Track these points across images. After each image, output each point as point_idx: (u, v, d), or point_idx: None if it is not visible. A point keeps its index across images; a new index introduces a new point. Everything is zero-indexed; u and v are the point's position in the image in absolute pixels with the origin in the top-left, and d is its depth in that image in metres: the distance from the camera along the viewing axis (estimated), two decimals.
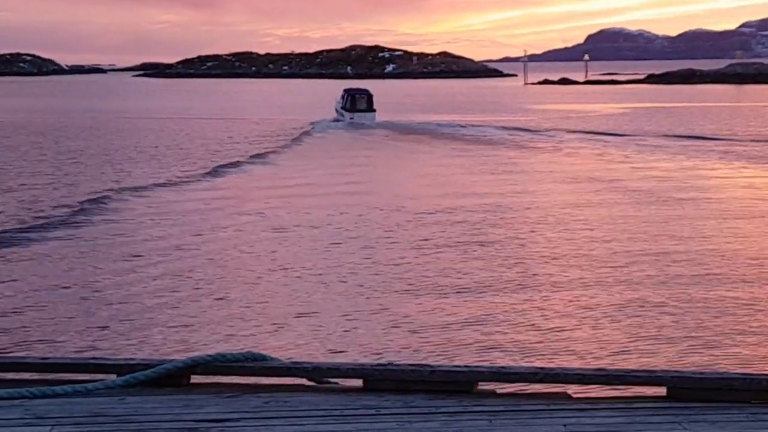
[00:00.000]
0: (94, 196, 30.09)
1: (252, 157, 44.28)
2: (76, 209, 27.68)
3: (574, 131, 59.63)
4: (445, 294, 17.16)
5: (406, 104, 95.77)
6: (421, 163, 42.41)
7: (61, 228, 24.51)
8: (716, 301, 16.52)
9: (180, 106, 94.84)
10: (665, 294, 17.00)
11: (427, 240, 22.36)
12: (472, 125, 66.05)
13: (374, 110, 67.75)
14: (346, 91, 71.17)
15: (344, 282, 18.25)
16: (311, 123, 65.74)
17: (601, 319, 15.42)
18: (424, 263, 19.79)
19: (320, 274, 18.88)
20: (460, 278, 18.35)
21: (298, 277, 18.75)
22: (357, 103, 68.29)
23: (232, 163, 41.29)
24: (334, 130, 61.83)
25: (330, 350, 13.82)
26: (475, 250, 21.11)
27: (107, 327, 15.10)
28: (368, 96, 69.02)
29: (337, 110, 69.77)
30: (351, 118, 66.40)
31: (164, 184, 33.99)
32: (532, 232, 23.52)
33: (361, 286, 17.88)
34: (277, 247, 21.81)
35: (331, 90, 79.32)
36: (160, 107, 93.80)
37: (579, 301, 16.57)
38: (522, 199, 29.36)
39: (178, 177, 36.03)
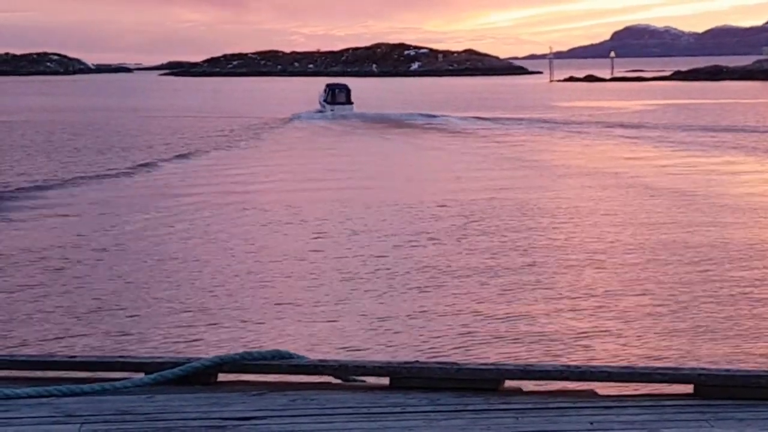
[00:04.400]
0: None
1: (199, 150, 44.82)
2: None
3: (602, 125, 59.51)
4: (467, 288, 17.15)
5: (432, 101, 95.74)
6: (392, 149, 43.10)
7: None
8: (744, 296, 16.45)
9: (192, 105, 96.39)
10: (692, 290, 16.93)
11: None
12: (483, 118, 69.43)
13: (352, 103, 75.98)
14: (328, 85, 79.63)
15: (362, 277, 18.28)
16: (293, 115, 73.41)
17: (627, 315, 15.38)
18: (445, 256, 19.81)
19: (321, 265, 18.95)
20: (478, 272, 18.34)
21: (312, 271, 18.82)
22: (337, 96, 76.55)
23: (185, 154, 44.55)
24: (306, 122, 68.94)
25: (354, 347, 13.85)
26: (477, 238, 21.11)
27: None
28: (347, 90, 77.48)
29: (320, 103, 77.68)
30: (332, 110, 74.48)
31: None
32: (555, 227, 23.50)
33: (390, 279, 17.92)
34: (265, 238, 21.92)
35: (354, 88, 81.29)
36: (175, 106, 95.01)
37: (605, 297, 16.53)
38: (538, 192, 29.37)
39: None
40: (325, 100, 76.84)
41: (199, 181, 34.88)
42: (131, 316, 15.73)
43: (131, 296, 17.15)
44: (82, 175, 36.65)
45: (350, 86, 79.78)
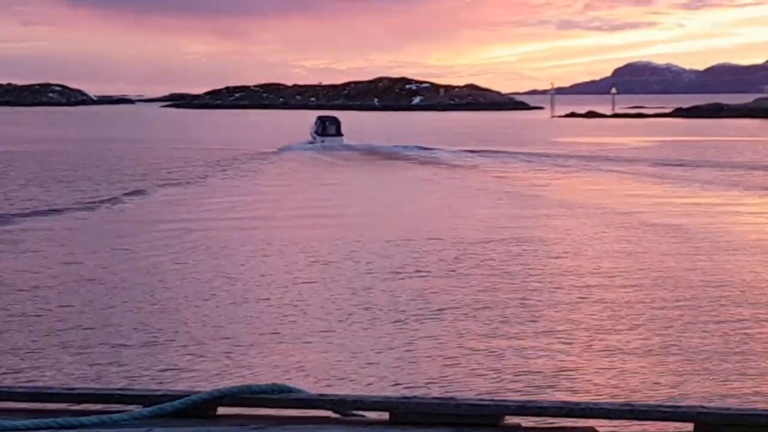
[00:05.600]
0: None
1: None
2: None
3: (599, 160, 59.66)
4: (462, 322, 17.15)
5: (430, 135, 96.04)
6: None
7: None
8: (742, 334, 16.45)
9: (189, 137, 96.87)
10: (686, 327, 16.95)
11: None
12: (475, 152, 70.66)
13: (342, 134, 78.96)
14: (319, 118, 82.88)
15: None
16: (283, 147, 75.36)
17: (627, 352, 15.37)
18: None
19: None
20: (475, 309, 18.35)
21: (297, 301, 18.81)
22: (327, 128, 79.51)
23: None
24: (296, 153, 71.12)
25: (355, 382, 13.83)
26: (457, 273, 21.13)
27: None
28: (337, 123, 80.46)
29: (311, 135, 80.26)
30: (322, 141, 77.31)
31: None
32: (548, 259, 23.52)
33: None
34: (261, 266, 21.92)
35: (354, 121, 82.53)
36: (171, 137, 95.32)
37: (604, 333, 16.53)
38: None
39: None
40: (316, 132, 79.64)
41: (179, 210, 35.08)
42: (120, 348, 15.71)
43: (118, 327, 17.13)
44: (70, 205, 36.83)
45: (352, 120, 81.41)
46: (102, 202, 38.27)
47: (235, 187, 45.75)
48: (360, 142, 79.78)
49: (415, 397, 6.92)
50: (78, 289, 20.62)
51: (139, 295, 19.94)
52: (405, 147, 76.57)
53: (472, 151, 72.11)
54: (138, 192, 41.92)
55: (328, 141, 77.19)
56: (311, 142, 78.20)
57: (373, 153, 71.74)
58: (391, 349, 15.71)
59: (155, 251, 25.70)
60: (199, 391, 6.58)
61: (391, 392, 12.61)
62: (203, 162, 60.74)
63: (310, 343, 16.10)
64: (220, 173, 52.97)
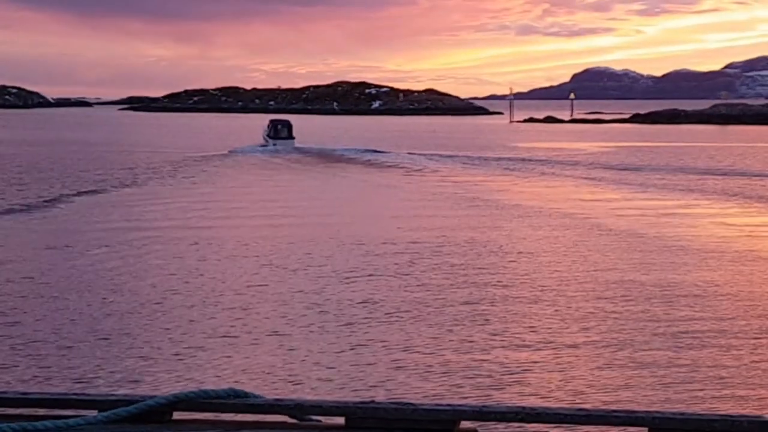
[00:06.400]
0: None
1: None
2: None
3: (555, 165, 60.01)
4: (422, 327, 17.19)
5: (388, 138, 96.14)
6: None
7: None
8: (694, 338, 16.59)
9: (141, 140, 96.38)
10: (638, 330, 17.07)
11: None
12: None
13: (293, 138, 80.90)
14: (271, 121, 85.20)
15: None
16: (233, 149, 76.05)
17: (579, 356, 15.46)
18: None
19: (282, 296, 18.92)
20: (431, 311, 18.39)
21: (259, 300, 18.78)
22: (279, 131, 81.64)
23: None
24: (246, 155, 71.74)
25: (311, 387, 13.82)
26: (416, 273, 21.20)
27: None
28: (289, 126, 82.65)
29: (263, 137, 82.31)
30: (274, 144, 78.94)
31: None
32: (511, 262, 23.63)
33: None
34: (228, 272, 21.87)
35: (313, 125, 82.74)
36: (124, 140, 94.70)
37: (557, 337, 16.61)
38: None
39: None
40: (268, 135, 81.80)
41: (114, 216, 34.82)
42: (78, 352, 15.59)
43: (77, 332, 17.00)
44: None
45: (309, 124, 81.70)
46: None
47: (175, 189, 45.65)
48: (312, 145, 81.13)
49: (371, 402, 6.91)
50: (20, 291, 20.44)
51: (84, 298, 19.80)
52: (359, 150, 77.05)
53: (429, 155, 72.36)
54: (54, 200, 40.37)
55: (280, 144, 79.04)
56: (263, 145, 79.93)
57: (324, 156, 72.37)
58: (342, 351, 15.70)
59: (97, 255, 25.54)
60: (155, 396, 6.54)
61: (342, 396, 12.63)
62: (146, 165, 60.26)
63: (261, 346, 16.06)
64: (163, 177, 52.59)
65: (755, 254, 26.14)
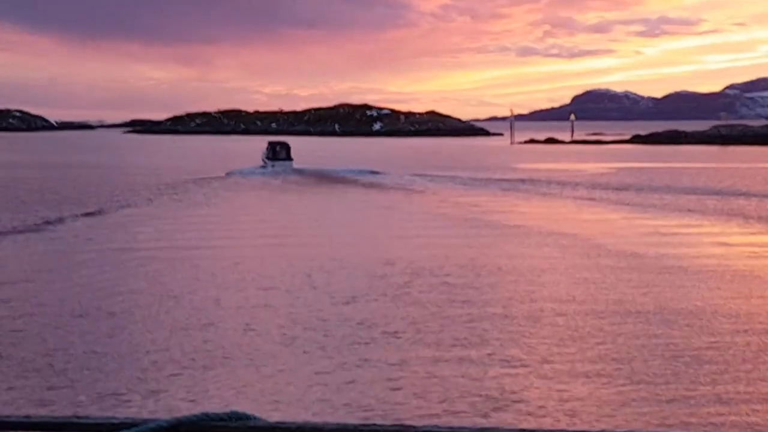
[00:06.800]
0: None
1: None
2: None
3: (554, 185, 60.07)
4: (420, 347, 17.23)
5: (389, 159, 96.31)
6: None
7: None
8: (691, 358, 16.64)
9: (142, 162, 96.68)
10: (636, 349, 17.10)
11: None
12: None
13: (292, 159, 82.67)
14: (270, 143, 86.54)
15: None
16: (232, 170, 77.24)
17: (576, 376, 15.50)
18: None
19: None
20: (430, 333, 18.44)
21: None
22: (278, 153, 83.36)
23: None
24: (246, 177, 72.65)
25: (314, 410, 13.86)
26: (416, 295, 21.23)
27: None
28: (287, 148, 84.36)
29: (262, 159, 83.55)
30: (272, 166, 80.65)
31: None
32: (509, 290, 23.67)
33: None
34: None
35: (314, 147, 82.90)
36: (123, 163, 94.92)
37: (560, 359, 16.65)
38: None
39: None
40: (266, 157, 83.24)
41: (112, 237, 34.92)
42: (77, 374, 15.64)
43: (76, 353, 17.03)
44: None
45: (310, 145, 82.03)
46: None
47: (171, 211, 45.73)
48: (311, 166, 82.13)
49: (373, 424, 6.99)
50: (20, 310, 20.51)
51: (83, 319, 19.86)
52: (358, 171, 77.35)
53: (430, 176, 72.45)
54: (61, 220, 40.80)
55: (278, 165, 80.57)
56: (262, 167, 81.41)
57: (322, 177, 72.80)
58: (341, 371, 15.74)
59: (94, 275, 25.61)
60: (157, 420, 6.62)
61: (341, 417, 12.68)
62: (145, 187, 60.34)
63: (261, 367, 16.08)
64: (161, 198, 52.67)
65: (754, 274, 26.19)
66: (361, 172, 77.25)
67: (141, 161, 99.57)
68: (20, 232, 36.23)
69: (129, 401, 14.19)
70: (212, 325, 19.51)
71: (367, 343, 17.75)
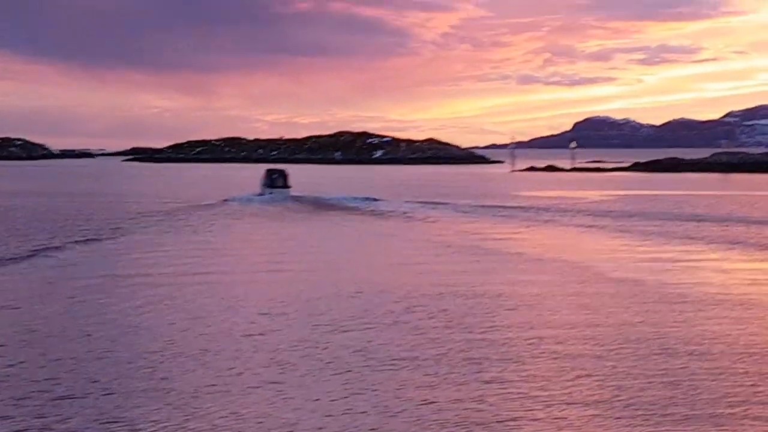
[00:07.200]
0: None
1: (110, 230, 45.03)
2: None
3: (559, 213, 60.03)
4: (416, 375, 17.15)
5: (389, 187, 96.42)
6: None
7: None
8: (690, 387, 16.56)
9: (139, 190, 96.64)
10: (640, 380, 17.03)
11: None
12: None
13: (289, 186, 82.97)
14: (267, 170, 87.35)
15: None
16: (229, 197, 77.56)
17: (574, 403, 15.41)
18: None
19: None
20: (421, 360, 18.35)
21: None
22: (275, 181, 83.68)
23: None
24: (244, 204, 73.08)
25: None
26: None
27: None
28: (284, 175, 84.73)
29: (260, 186, 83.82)
30: (270, 193, 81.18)
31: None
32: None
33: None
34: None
35: (314, 174, 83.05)
36: (121, 191, 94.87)
37: (558, 387, 16.56)
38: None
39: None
40: (264, 184, 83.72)
41: (109, 264, 34.87)
42: (74, 402, 15.56)
43: (73, 381, 16.93)
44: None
45: (311, 173, 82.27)
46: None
47: (166, 238, 45.72)
48: (309, 193, 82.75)
49: None
50: (15, 336, 20.43)
51: (81, 346, 19.77)
52: (357, 199, 77.48)
53: (431, 204, 72.44)
54: (58, 248, 40.72)
55: (276, 193, 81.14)
56: (260, 194, 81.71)
57: (319, 204, 73.02)
58: (337, 400, 15.67)
59: (91, 302, 25.56)
60: None
61: None
62: (142, 215, 60.36)
63: (257, 394, 16.02)
64: (149, 226, 52.47)
65: (755, 302, 26.10)
66: (360, 199, 77.38)
67: (141, 189, 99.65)
68: (12, 260, 36.17)
69: (124, 429, 14.08)
70: (207, 351, 19.43)
71: (363, 370, 17.65)
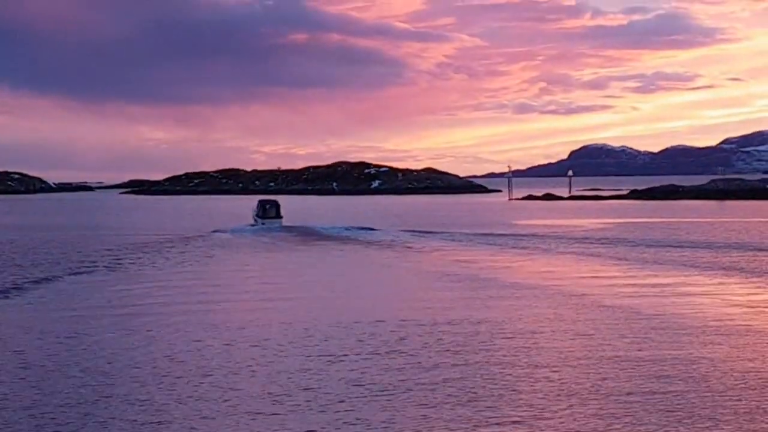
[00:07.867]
0: None
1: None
2: None
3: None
4: (410, 406, 17.05)
5: (386, 217, 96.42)
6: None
7: None
8: (688, 414, 16.48)
9: (131, 223, 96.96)
10: (638, 408, 16.96)
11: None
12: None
13: (281, 217, 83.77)
14: (260, 201, 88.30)
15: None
16: (218, 229, 78.87)
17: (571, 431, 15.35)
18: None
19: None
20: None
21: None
22: (267, 211, 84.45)
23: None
24: (236, 235, 73.56)
25: None
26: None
27: None
28: (276, 206, 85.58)
29: (253, 217, 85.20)
30: (262, 223, 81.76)
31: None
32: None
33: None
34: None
35: (311, 205, 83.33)
36: (118, 224, 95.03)
37: (555, 416, 16.47)
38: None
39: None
40: (256, 215, 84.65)
41: (99, 297, 34.80)
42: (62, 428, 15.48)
43: (66, 416, 16.84)
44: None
45: (308, 204, 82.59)
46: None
47: (156, 270, 45.90)
48: (302, 223, 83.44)
49: None
50: (7, 366, 20.33)
51: (72, 377, 19.68)
52: (351, 228, 77.47)
53: (427, 233, 72.39)
54: (44, 280, 40.93)
55: (268, 223, 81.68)
56: (252, 225, 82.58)
57: (312, 235, 73.16)
58: (330, 429, 15.59)
59: (80, 336, 25.47)
60: None
61: None
62: (133, 247, 60.53)
63: (249, 423, 15.92)
64: (150, 257, 52.87)
65: (752, 329, 26.01)
66: (355, 229, 77.43)
67: (137, 222, 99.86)
68: (3, 292, 36.27)
69: None
70: (201, 383, 19.31)
71: (357, 401, 17.55)
